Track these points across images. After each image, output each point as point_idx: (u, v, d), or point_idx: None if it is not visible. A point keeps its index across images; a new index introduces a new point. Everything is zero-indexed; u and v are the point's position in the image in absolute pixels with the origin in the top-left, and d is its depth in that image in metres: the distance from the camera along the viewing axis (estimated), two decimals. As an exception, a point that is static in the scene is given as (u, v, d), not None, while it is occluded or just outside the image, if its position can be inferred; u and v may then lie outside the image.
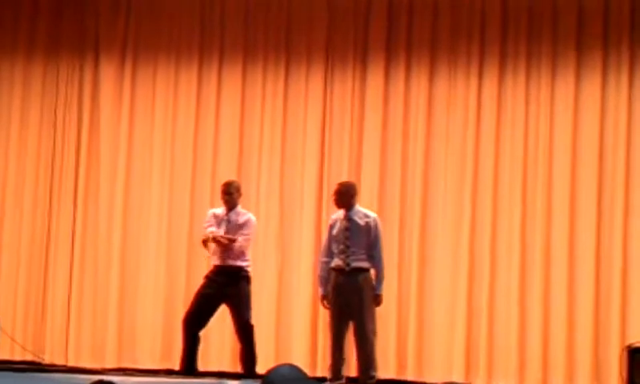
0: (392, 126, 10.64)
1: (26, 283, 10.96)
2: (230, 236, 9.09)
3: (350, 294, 8.79)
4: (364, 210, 9.08)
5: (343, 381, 8.95)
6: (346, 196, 9.00)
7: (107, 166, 10.99)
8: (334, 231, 8.96)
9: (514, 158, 10.39)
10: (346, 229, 8.91)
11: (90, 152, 11.02)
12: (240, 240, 9.09)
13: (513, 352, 10.17)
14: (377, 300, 8.88)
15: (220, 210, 9.32)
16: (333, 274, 8.89)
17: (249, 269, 9.17)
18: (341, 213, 9.00)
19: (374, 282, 8.88)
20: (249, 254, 9.23)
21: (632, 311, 10.04)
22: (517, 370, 10.15)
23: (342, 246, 8.87)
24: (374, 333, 8.86)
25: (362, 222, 8.93)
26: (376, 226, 8.97)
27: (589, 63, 10.35)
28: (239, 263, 9.10)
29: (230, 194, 9.25)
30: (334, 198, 9.10)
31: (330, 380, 8.89)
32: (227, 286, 9.05)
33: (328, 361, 9.04)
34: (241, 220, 9.20)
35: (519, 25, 10.50)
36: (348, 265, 8.84)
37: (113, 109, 11.05)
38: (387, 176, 10.60)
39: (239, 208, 9.29)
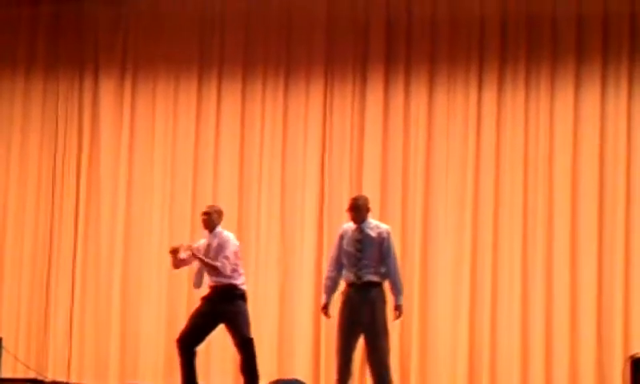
0: (392, 139, 10.64)
1: (28, 301, 10.97)
2: (209, 261, 9.04)
3: (362, 308, 8.65)
4: (375, 222, 8.94)
5: (349, 396, 8.85)
6: (362, 210, 8.86)
7: (108, 182, 11.01)
8: (344, 242, 8.85)
9: (514, 169, 10.37)
10: (358, 241, 8.75)
11: (91, 167, 11.04)
12: (219, 265, 9.03)
13: (516, 364, 10.14)
14: (397, 311, 8.74)
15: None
16: (344, 288, 8.77)
17: (243, 286, 9.09)
18: (351, 224, 8.88)
19: (385, 296, 8.76)
20: (241, 271, 9.15)
21: (635, 322, 10.00)
22: (520, 382, 10.12)
23: (353, 259, 8.74)
24: (387, 347, 8.71)
25: (373, 234, 8.76)
26: (388, 237, 8.83)
27: (588, 73, 10.33)
28: (232, 281, 9.03)
29: (209, 214, 9.19)
30: (350, 214, 8.87)
31: (336, 395, 8.80)
32: (222, 305, 9.00)
33: (334, 376, 8.94)
34: (220, 242, 9.12)
35: (518, 36, 10.48)
36: (359, 278, 8.69)
37: (113, 124, 11.07)
38: (388, 188, 10.59)
39: (219, 229, 9.21)
